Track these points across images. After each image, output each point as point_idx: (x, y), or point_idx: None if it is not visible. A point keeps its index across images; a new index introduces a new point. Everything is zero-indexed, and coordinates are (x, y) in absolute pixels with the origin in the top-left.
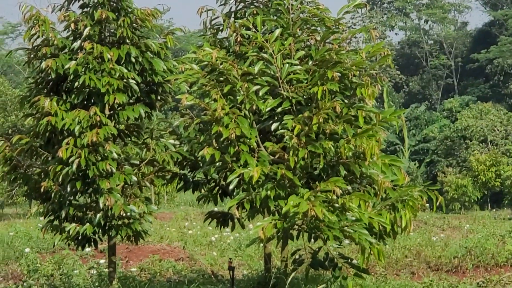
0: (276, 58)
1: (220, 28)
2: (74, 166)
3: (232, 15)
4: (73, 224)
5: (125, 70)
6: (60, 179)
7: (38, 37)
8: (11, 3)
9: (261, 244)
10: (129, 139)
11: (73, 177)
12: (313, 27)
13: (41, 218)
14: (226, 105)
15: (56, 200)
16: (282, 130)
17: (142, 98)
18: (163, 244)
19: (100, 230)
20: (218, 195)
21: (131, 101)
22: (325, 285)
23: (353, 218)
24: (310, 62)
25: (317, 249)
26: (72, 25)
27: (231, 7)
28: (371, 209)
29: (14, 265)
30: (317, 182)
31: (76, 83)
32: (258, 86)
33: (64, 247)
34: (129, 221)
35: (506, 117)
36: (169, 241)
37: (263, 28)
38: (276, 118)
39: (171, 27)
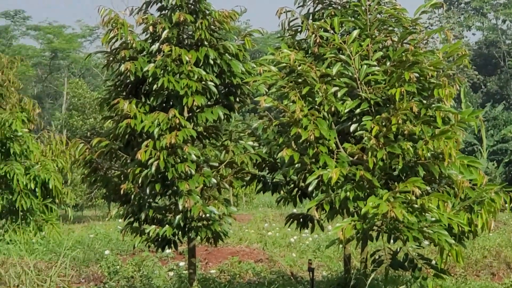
0: (354, 59)
1: (299, 30)
2: (153, 168)
3: (310, 17)
4: (153, 226)
5: (204, 72)
6: (139, 181)
7: (116, 40)
8: (89, 7)
9: (341, 245)
10: (208, 141)
11: (153, 179)
12: (390, 28)
13: (120, 220)
14: (305, 106)
15: (135, 202)
16: (361, 131)
17: (220, 100)
18: (242, 245)
19: (180, 232)
20: (297, 197)
21: (209, 103)
22: (405, 286)
23: (433, 219)
24: (388, 63)
25: (396, 250)
26: (151, 28)
27: (309, 8)
28: (450, 210)
29: (94, 267)
30: (396, 183)
31: (155, 86)
32: (337, 88)
33: (144, 249)
34: (208, 223)
35: None
36: (248, 242)
37: (341, 29)
38: (354, 119)
39: (248, 28)
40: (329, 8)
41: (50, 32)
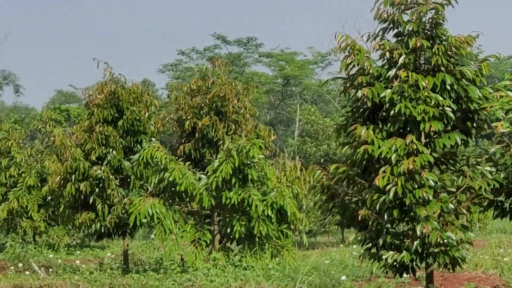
0: None
1: None
2: (391, 194)
3: None
4: (391, 252)
5: (441, 98)
6: (377, 207)
7: (353, 66)
8: (321, 33)
9: None
10: (445, 166)
11: (390, 205)
12: None
13: (355, 246)
14: None
15: (373, 228)
16: None
17: (457, 126)
18: (478, 271)
19: (418, 258)
20: None
21: (446, 128)
22: None
23: None
24: None
25: None
26: (387, 54)
27: None
28: None
29: None
30: None
31: (392, 112)
32: None
33: (380, 275)
34: (446, 248)
35: None
36: (484, 268)
37: None
38: None
39: (480, 53)
40: None
41: (282, 59)
